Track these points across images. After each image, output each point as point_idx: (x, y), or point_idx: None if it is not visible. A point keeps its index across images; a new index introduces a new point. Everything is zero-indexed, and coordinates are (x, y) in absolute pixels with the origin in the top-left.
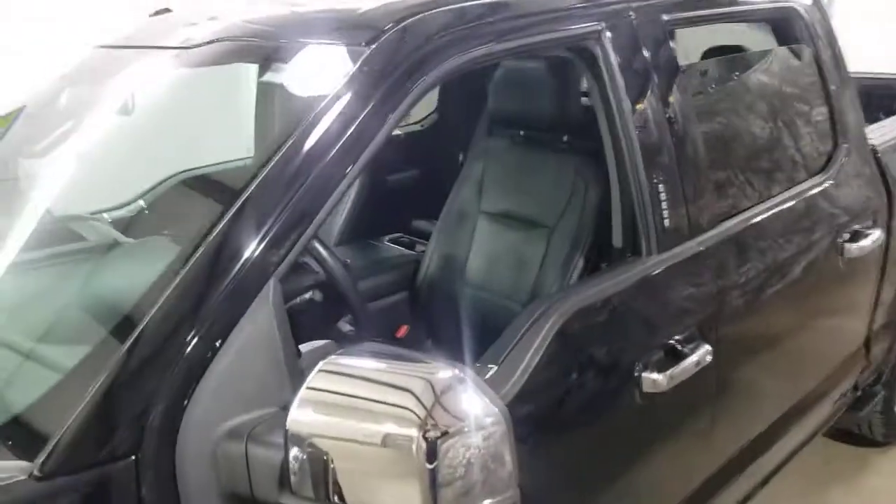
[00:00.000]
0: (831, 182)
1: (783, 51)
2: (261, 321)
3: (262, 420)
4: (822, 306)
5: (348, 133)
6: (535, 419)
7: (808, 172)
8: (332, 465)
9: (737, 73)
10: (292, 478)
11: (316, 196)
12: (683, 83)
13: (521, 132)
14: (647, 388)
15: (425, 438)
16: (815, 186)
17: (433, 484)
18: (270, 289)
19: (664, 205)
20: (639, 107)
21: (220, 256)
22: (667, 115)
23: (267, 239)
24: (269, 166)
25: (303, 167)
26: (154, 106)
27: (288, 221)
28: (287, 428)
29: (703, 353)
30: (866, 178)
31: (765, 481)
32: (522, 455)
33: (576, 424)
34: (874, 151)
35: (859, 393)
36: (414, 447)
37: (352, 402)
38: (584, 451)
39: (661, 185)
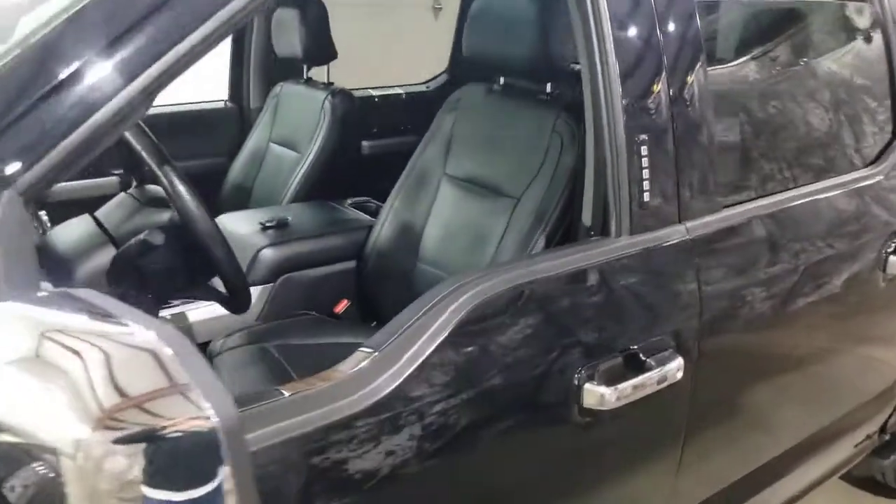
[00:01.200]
0: (881, 178)
1: (837, 14)
2: None
3: None
4: (849, 330)
5: None
6: (419, 432)
7: (854, 163)
8: None
9: (775, 32)
10: None
11: (96, 90)
12: (694, 18)
13: (500, 80)
14: (588, 402)
15: (101, 442)
16: (860, 180)
17: None
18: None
19: (646, 173)
20: (625, 37)
21: None
22: (665, 57)
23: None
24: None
25: (68, 37)
26: None
27: (44, 109)
28: None
29: (672, 368)
30: None
31: None
32: (395, 483)
33: (479, 443)
34: None
35: (887, 437)
36: (80, 456)
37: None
38: (491, 484)
39: (644, 148)
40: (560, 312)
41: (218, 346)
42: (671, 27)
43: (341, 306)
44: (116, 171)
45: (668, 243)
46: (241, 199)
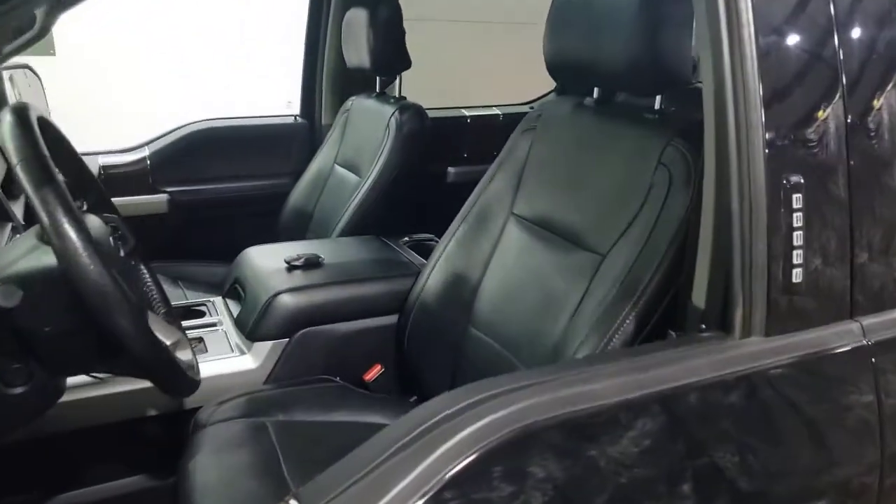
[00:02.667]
0: None
1: None
2: None
3: None
4: None
5: None
6: None
7: None
8: None
9: None
10: None
11: None
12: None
13: (595, 92)
14: None
15: None
16: None
17: None
18: None
19: (798, 237)
20: (777, 43)
21: None
22: (844, 70)
23: None
24: None
25: None
26: None
27: None
28: None
29: None
30: None
31: None
32: None
33: None
34: None
35: None
36: None
37: None
38: None
39: (798, 197)
40: (642, 457)
41: (206, 416)
42: (856, 32)
43: (373, 373)
44: (168, 189)
45: (830, 350)
46: (300, 228)
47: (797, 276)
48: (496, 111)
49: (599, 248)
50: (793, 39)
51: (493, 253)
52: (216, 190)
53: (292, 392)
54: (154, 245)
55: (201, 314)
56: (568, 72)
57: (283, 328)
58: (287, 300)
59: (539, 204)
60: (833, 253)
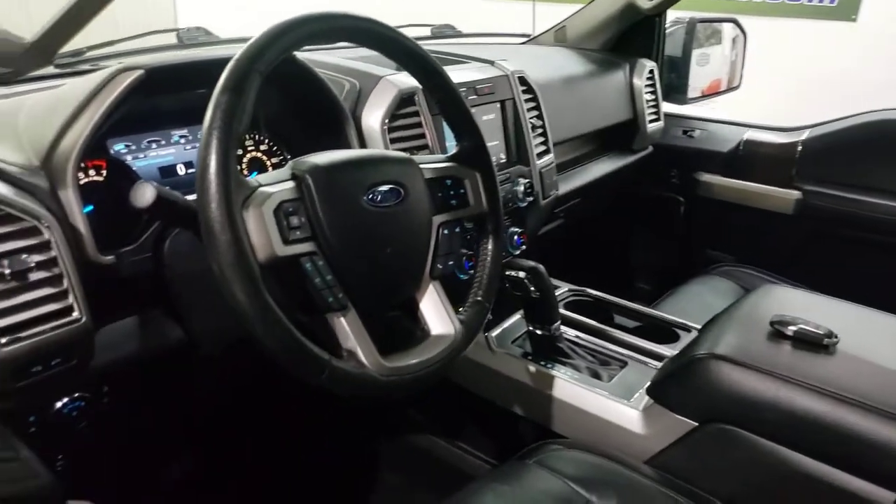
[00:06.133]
0: None
1: None
2: None
3: None
4: None
5: None
6: None
7: None
8: None
9: None
10: None
11: None
12: None
13: None
14: None
15: None
16: None
17: None
18: None
19: None
20: None
21: None
22: None
23: None
24: None
25: None
26: None
27: None
28: None
29: None
30: None
31: None
32: None
33: None
34: None
35: None
36: None
37: None
38: None
39: None
40: None
41: (545, 452)
42: None
43: None
44: (808, 187)
45: None
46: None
47: None
48: None
49: None
50: None
51: None
52: (872, 205)
53: (662, 496)
54: (766, 244)
55: (673, 338)
56: None
57: (695, 405)
58: (723, 371)
59: None
60: None
